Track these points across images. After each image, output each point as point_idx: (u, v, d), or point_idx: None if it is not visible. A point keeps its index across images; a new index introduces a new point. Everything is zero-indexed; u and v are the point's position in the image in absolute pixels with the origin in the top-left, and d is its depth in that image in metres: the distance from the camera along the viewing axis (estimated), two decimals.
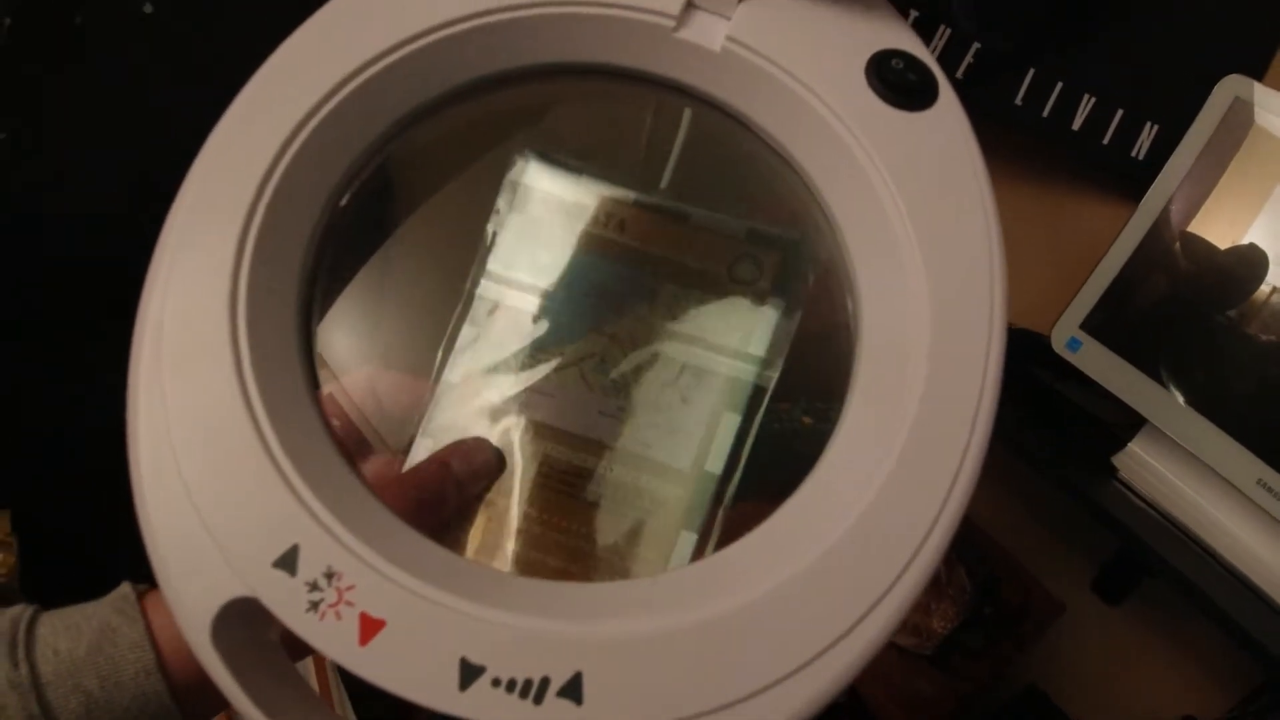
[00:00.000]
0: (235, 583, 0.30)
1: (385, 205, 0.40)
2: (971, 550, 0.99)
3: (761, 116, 0.37)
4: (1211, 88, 0.87)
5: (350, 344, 0.40)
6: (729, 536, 0.34)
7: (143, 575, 0.35)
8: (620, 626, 0.29)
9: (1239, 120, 0.86)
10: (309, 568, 0.29)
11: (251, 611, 0.30)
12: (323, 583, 0.29)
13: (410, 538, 0.32)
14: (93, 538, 0.55)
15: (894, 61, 0.37)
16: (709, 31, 0.37)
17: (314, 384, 0.35)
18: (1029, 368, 0.98)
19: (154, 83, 0.69)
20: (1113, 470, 0.91)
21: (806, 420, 0.39)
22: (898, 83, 0.36)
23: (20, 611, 0.43)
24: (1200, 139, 0.87)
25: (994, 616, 0.97)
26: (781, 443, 0.40)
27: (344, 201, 0.36)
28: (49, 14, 0.62)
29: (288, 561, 0.29)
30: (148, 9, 0.65)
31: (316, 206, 0.35)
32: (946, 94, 0.37)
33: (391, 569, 0.30)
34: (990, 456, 0.33)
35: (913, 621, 0.94)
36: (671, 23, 0.37)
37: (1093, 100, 0.97)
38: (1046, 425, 0.96)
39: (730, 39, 0.37)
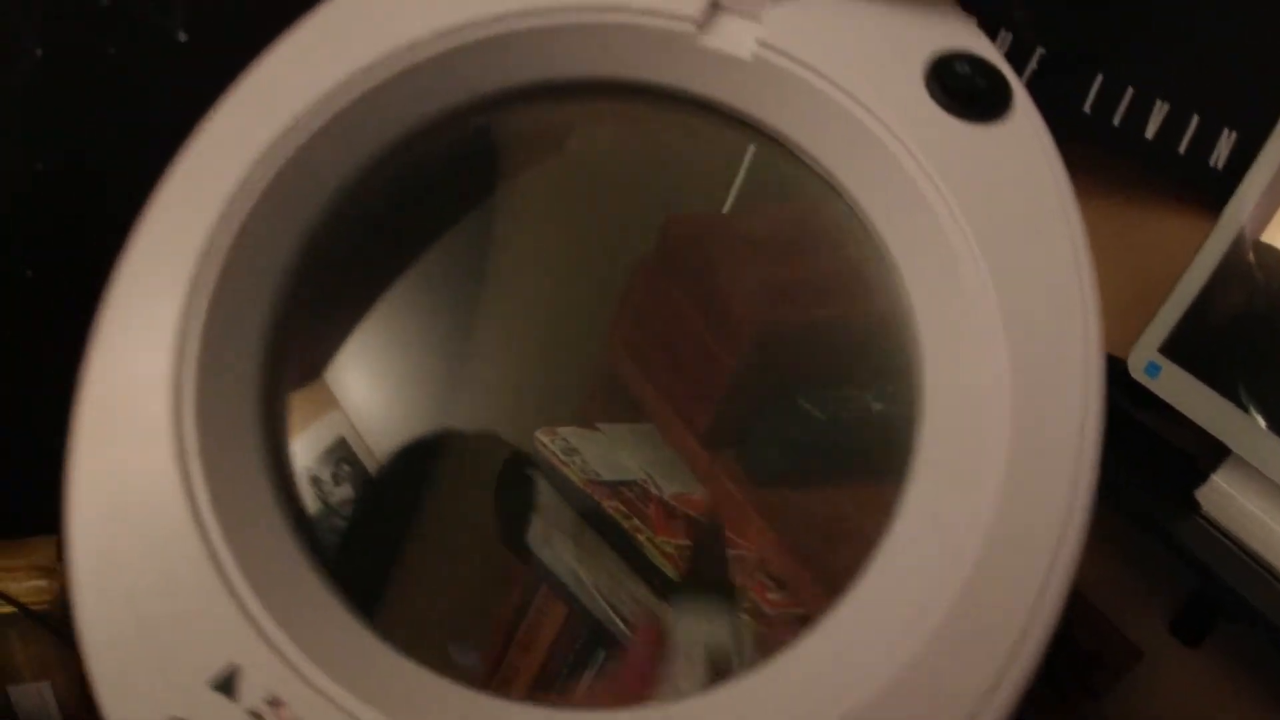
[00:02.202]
0: (172, 706, 0.25)
1: (367, 245, 0.35)
2: None
3: (802, 134, 0.32)
4: None
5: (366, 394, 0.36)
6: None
7: None
8: None
9: None
10: (250, 692, 0.25)
11: None
12: (266, 711, 0.24)
13: (385, 655, 0.27)
14: None
15: (958, 65, 0.31)
16: (737, 36, 0.32)
17: (279, 466, 0.30)
18: (1105, 395, 0.91)
19: (191, 113, 0.67)
20: (1196, 505, 0.85)
21: (876, 406, 0.36)
22: (963, 90, 0.31)
23: None
24: None
25: (1065, 665, 0.90)
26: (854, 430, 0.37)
27: (319, 243, 0.32)
28: (80, 44, 0.60)
29: (226, 684, 0.25)
30: (182, 37, 0.63)
31: (284, 252, 0.30)
32: (1022, 101, 0.31)
33: (348, 698, 0.24)
34: None
35: None
36: (693, 28, 0.32)
37: (1167, 106, 0.91)
38: (1124, 456, 0.89)
39: (762, 44, 0.32)
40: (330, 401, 0.37)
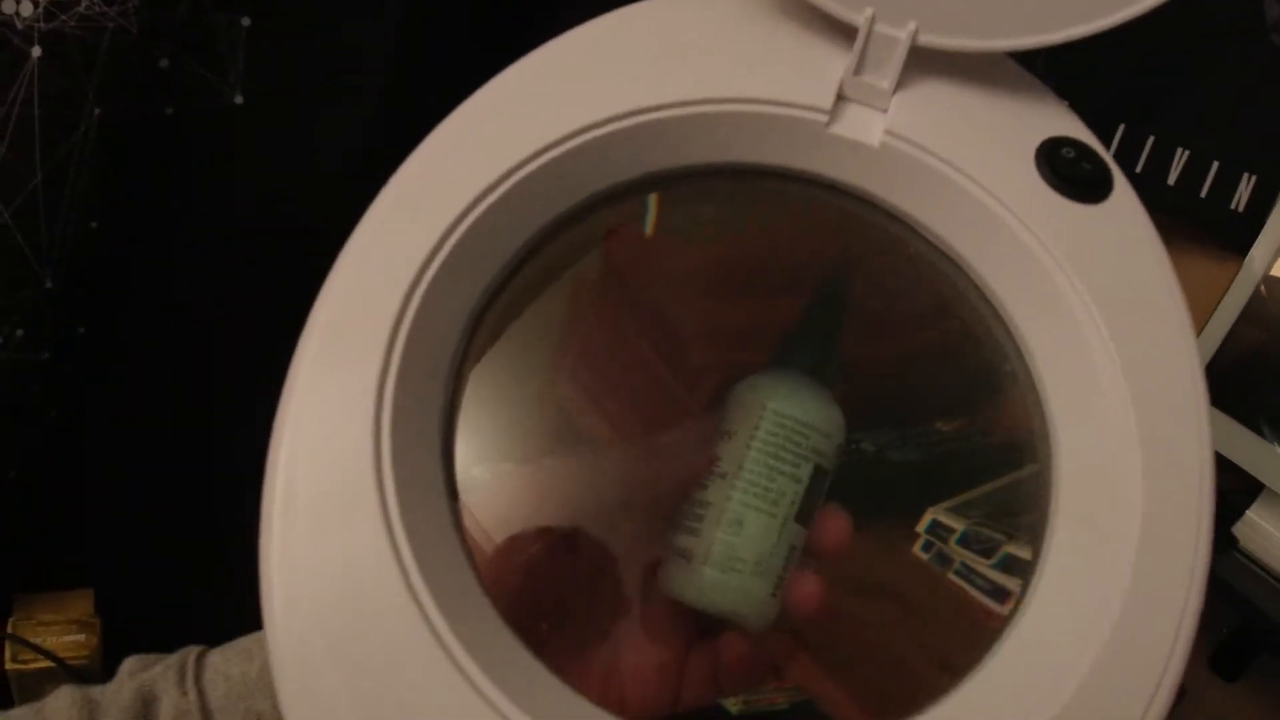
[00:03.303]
0: None
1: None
2: None
3: (927, 215, 0.34)
4: None
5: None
6: None
7: None
8: None
9: None
10: None
11: None
12: None
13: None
14: (177, 621, 0.53)
15: (1065, 150, 0.34)
16: (865, 125, 0.35)
17: (461, 538, 0.31)
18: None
19: (249, 174, 0.69)
20: (1232, 541, 0.87)
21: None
22: (1071, 174, 0.34)
23: (192, 648, 0.45)
24: None
25: None
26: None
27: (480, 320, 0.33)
28: (138, 105, 0.62)
29: None
30: (238, 100, 0.65)
31: (457, 329, 0.32)
32: (1121, 184, 0.34)
33: None
34: None
35: None
36: (824, 117, 0.35)
37: (1186, 153, 0.94)
38: None
39: (889, 132, 0.35)
40: None
